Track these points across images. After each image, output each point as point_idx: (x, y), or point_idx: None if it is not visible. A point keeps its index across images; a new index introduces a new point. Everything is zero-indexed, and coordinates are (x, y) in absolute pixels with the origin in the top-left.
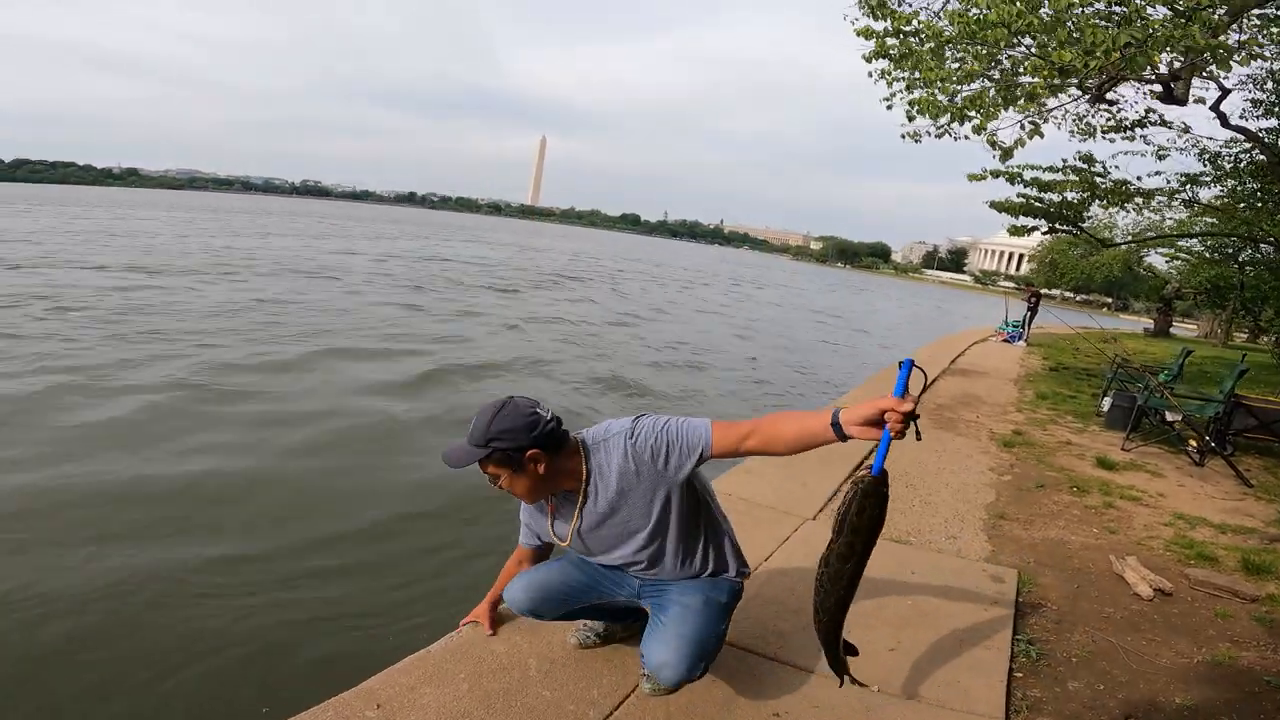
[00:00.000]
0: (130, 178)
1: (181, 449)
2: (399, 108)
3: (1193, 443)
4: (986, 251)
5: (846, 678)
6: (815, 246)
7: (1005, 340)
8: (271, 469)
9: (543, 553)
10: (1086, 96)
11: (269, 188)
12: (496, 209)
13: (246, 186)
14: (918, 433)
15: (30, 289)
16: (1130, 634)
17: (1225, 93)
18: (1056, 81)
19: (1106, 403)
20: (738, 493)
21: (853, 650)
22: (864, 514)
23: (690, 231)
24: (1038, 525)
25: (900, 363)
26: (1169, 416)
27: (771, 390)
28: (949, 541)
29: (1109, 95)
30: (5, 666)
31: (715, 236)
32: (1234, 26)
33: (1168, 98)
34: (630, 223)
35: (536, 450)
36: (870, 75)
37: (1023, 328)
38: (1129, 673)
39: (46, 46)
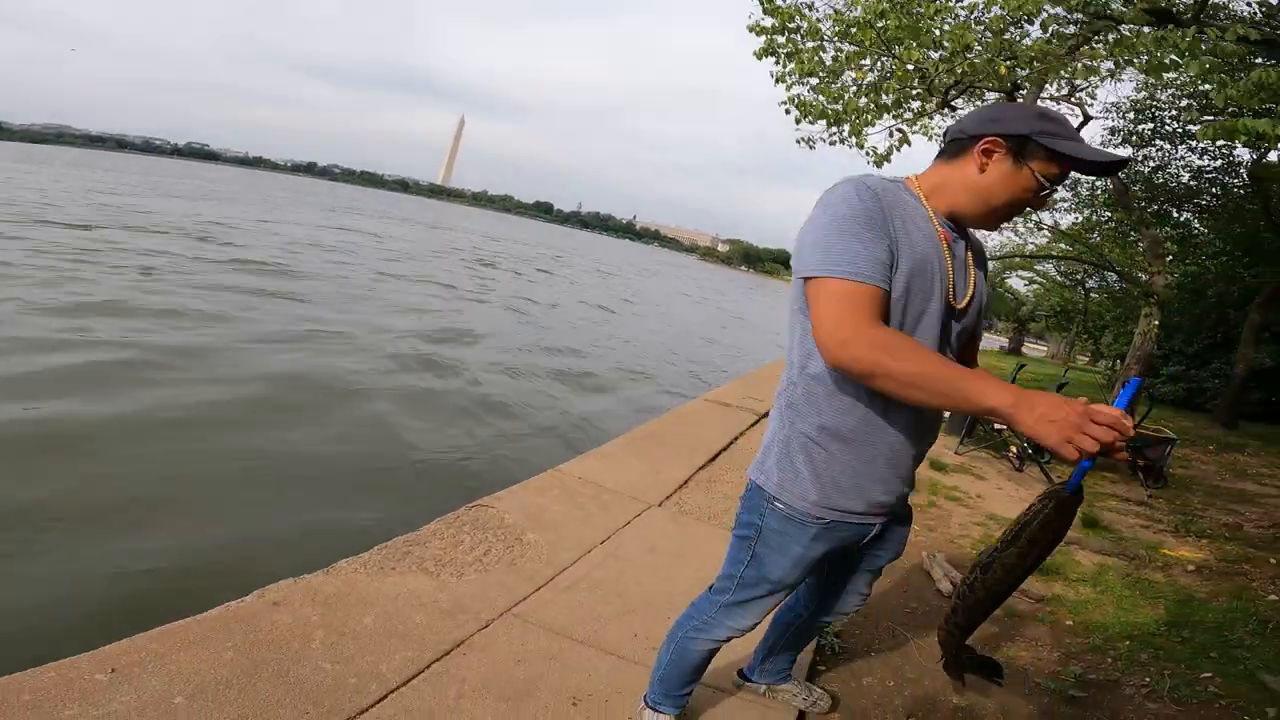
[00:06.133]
0: None
1: None
2: (300, 73)
3: (1013, 449)
4: None
5: (965, 679)
6: (722, 248)
7: None
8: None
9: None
10: (934, 101)
11: (148, 148)
12: (404, 186)
13: (121, 145)
14: (1140, 472)
15: None
16: (928, 631)
17: (1087, 120)
18: (916, 89)
19: None
20: (589, 477)
21: (996, 671)
22: (1049, 528)
23: (603, 225)
24: None
25: (1126, 381)
26: (996, 424)
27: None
28: None
29: (955, 103)
30: None
31: (627, 232)
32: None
33: None
34: (543, 210)
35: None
36: (771, 75)
37: None
38: (919, 670)
39: None
